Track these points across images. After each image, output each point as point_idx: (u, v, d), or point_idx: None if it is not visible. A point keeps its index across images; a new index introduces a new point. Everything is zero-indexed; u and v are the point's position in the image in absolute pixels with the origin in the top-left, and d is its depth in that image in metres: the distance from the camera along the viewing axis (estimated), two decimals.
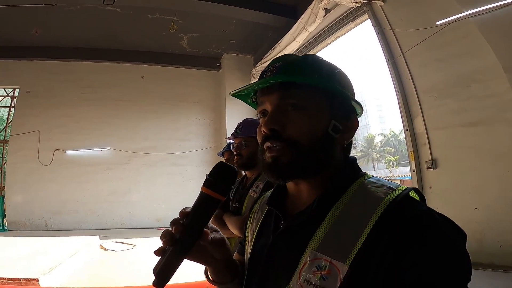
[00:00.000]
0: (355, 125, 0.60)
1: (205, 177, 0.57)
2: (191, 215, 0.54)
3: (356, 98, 0.61)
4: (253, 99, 0.64)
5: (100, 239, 5.79)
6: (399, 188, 0.50)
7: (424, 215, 0.46)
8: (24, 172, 7.70)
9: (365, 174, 0.57)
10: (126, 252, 5.19)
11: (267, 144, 0.55)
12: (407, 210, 0.46)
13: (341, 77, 0.59)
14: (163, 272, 0.52)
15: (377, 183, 0.53)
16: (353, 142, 0.64)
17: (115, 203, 8.04)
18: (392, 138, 39.30)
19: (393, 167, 35.20)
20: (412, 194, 0.51)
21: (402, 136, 35.79)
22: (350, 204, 0.51)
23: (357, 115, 0.62)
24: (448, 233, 0.45)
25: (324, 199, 0.54)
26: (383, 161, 37.55)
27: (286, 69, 0.56)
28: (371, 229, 0.45)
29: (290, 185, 0.61)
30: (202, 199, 0.55)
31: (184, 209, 0.55)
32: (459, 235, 0.46)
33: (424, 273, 0.41)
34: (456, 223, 0.47)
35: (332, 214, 0.51)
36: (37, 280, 2.99)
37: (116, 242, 5.78)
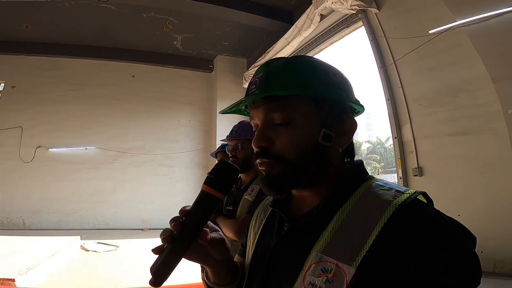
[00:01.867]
0: (352, 127, 0.57)
1: (207, 175, 0.56)
2: (190, 213, 0.53)
3: (354, 97, 0.59)
4: (247, 111, 0.63)
5: (81, 239, 5.59)
6: (407, 192, 0.49)
7: (434, 218, 0.45)
8: (3, 169, 7.39)
9: (372, 178, 0.56)
10: (108, 253, 5.02)
11: (258, 160, 0.56)
12: (416, 213, 0.46)
13: (332, 77, 0.56)
14: (161, 270, 0.51)
15: (384, 186, 0.52)
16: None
17: (99, 203, 7.80)
18: (378, 146, 40.06)
19: (378, 174, 35.80)
20: (421, 198, 0.50)
21: (388, 144, 36.55)
22: (357, 207, 0.50)
23: (358, 113, 0.62)
24: (458, 236, 0.45)
25: (330, 201, 0.53)
26: (369, 168, 38.16)
27: (268, 82, 0.54)
28: (379, 231, 0.45)
29: (293, 191, 0.60)
30: (202, 197, 0.54)
31: (184, 207, 0.54)
32: (469, 238, 0.46)
33: (435, 276, 0.40)
34: None
35: (338, 216, 0.50)
36: (13, 280, 2.86)
37: (98, 243, 5.59)
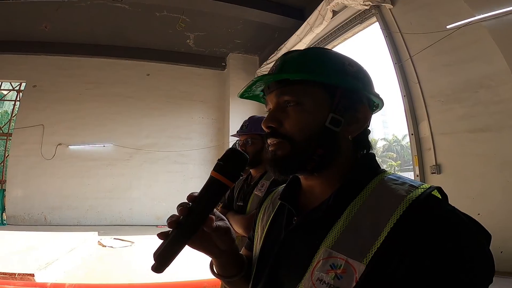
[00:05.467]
0: (365, 116, 0.56)
1: (216, 162, 0.56)
2: (197, 198, 0.53)
3: (373, 90, 0.58)
4: (265, 98, 0.65)
5: (98, 235, 5.77)
6: (422, 186, 0.47)
7: (449, 214, 0.44)
8: (26, 165, 7.73)
9: (384, 171, 0.54)
10: (124, 249, 5.16)
11: (268, 140, 0.57)
12: (431, 209, 0.44)
13: (347, 66, 0.56)
14: (163, 256, 0.50)
15: (398, 180, 0.50)
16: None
17: (115, 200, 8.03)
18: (394, 143, 39.15)
19: (394, 172, 35.06)
20: (435, 193, 0.48)
21: (404, 142, 35.61)
22: (368, 201, 0.49)
23: (378, 107, 0.61)
24: (474, 233, 0.43)
25: (341, 194, 0.51)
26: (385, 166, 37.32)
27: (282, 67, 0.57)
28: (391, 227, 0.43)
29: (302, 181, 0.60)
30: (210, 183, 0.54)
31: (192, 193, 0.54)
32: (484, 236, 0.44)
33: (448, 273, 0.39)
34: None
35: (349, 211, 0.49)
36: (32, 275, 2.97)
37: (114, 238, 5.75)
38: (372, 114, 0.59)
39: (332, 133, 0.54)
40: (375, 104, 0.61)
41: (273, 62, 0.61)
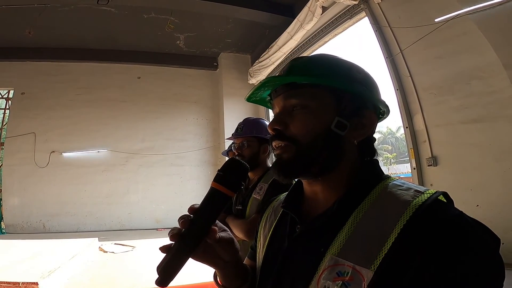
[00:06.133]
0: (371, 121, 0.57)
1: (216, 173, 0.56)
2: (199, 210, 0.52)
3: (379, 97, 0.59)
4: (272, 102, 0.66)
5: (99, 241, 5.73)
6: (427, 192, 0.48)
7: (457, 219, 0.44)
8: (20, 174, 7.62)
9: (389, 177, 0.55)
10: (125, 254, 5.14)
11: (273, 143, 0.57)
12: (438, 214, 0.44)
13: (355, 73, 0.57)
14: (167, 269, 0.50)
15: (403, 186, 0.51)
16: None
17: (114, 205, 7.97)
18: (389, 136, 39.45)
19: (390, 164, 35.28)
20: (441, 198, 0.48)
21: (399, 134, 35.93)
22: (374, 207, 0.49)
23: (384, 114, 0.62)
24: (482, 238, 0.43)
25: (345, 201, 0.51)
26: (380, 158, 37.38)
27: (289, 70, 0.58)
28: (398, 233, 0.43)
29: (305, 186, 0.60)
30: (211, 194, 0.54)
31: (193, 205, 0.54)
32: (493, 240, 0.44)
33: (457, 279, 0.39)
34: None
35: (354, 217, 0.49)
36: (36, 283, 2.93)
37: (115, 244, 5.72)
38: (378, 121, 0.60)
39: (338, 137, 0.54)
40: (381, 111, 0.61)
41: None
